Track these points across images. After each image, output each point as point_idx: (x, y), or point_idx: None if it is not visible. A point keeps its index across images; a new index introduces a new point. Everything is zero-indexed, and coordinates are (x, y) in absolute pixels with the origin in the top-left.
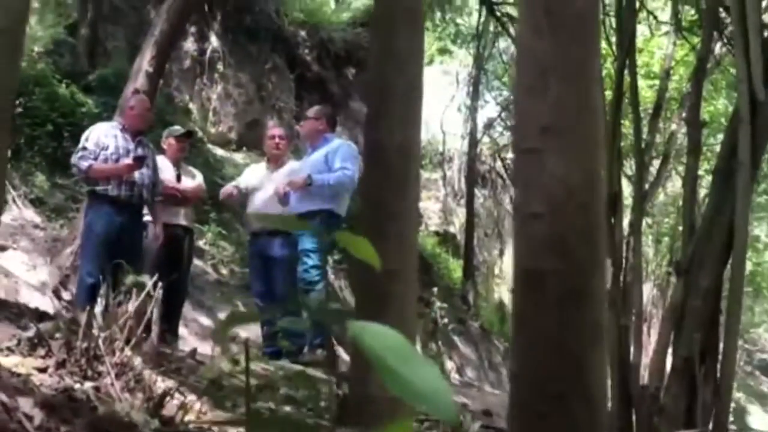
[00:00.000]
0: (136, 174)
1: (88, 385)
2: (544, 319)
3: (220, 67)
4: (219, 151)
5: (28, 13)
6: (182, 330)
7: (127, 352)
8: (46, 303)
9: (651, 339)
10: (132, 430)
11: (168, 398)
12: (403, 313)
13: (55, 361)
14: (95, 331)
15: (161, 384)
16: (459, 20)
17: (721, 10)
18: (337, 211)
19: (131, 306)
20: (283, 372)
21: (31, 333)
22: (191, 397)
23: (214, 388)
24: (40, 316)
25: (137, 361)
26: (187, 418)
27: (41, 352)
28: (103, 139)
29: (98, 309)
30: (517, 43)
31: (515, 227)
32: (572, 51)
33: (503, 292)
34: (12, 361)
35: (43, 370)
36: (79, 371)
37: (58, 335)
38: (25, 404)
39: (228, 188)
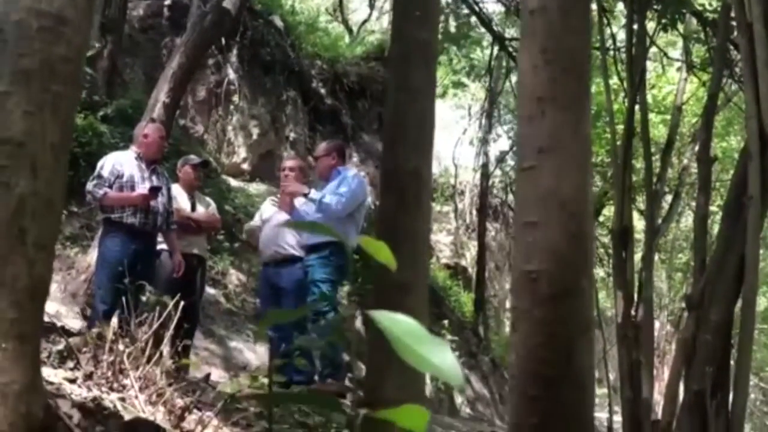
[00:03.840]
0: (152, 202)
1: (114, 395)
2: (538, 314)
3: (235, 98)
4: (233, 182)
5: (88, 45)
6: (193, 358)
7: (150, 367)
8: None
9: (664, 375)
10: None
11: (187, 413)
12: None
13: (83, 373)
14: (120, 347)
15: (180, 401)
16: (472, 55)
17: (730, 47)
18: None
19: (151, 323)
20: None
21: (60, 346)
22: (208, 413)
23: (230, 405)
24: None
25: (158, 376)
26: None
27: (70, 364)
28: (118, 168)
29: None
30: (518, 78)
31: (514, 235)
32: (564, 83)
33: None
34: (44, 372)
35: (72, 381)
36: (105, 383)
37: (85, 349)
38: (64, 405)
39: (253, 226)
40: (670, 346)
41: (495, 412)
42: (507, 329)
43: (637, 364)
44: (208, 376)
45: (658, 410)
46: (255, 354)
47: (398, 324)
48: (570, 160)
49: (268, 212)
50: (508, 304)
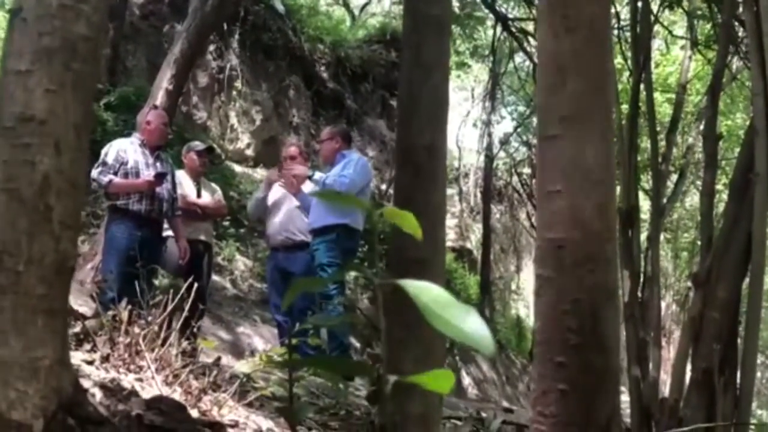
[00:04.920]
0: (157, 188)
1: (131, 377)
2: (563, 282)
3: (238, 84)
4: (237, 168)
5: (106, 23)
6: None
7: (165, 350)
8: None
9: (670, 354)
10: (183, 410)
11: (203, 394)
12: None
13: (100, 355)
14: (136, 329)
15: (195, 382)
16: (475, 35)
17: (736, 24)
18: (353, 226)
19: (165, 306)
20: (305, 381)
21: (77, 329)
22: (224, 395)
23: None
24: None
25: (173, 358)
26: (221, 413)
27: (87, 346)
28: (123, 154)
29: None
30: (538, 47)
31: (537, 204)
32: (586, 50)
33: (520, 308)
34: None
35: (90, 363)
36: (122, 364)
37: (101, 332)
38: (86, 384)
39: (257, 197)
40: (677, 325)
41: (502, 393)
42: (513, 311)
43: (644, 343)
44: (218, 359)
45: (665, 389)
46: (262, 339)
47: (427, 292)
48: (593, 128)
49: (276, 197)
50: (513, 286)
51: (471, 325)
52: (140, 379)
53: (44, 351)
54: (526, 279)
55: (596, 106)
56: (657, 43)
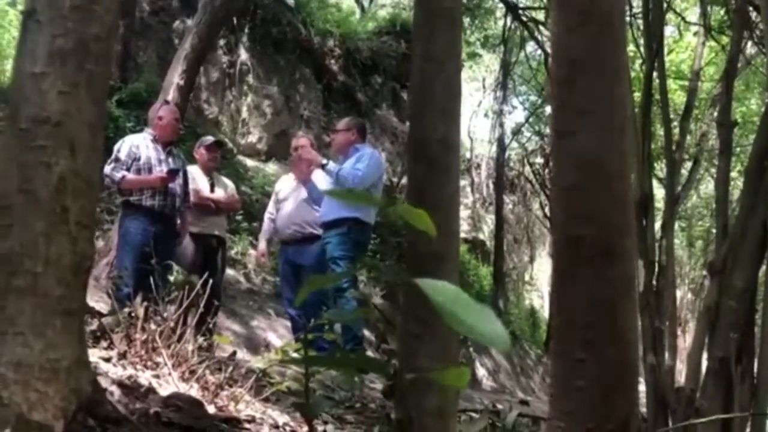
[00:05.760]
0: (170, 184)
1: (148, 373)
2: (581, 277)
3: (248, 78)
4: (249, 162)
5: (118, 22)
6: (216, 337)
7: (181, 346)
8: None
9: (686, 343)
10: (200, 407)
11: (220, 389)
12: None
13: (117, 352)
14: (152, 326)
15: (212, 377)
16: (486, 25)
17: (751, 9)
18: (365, 219)
19: (181, 302)
20: (320, 375)
21: (94, 326)
22: (240, 389)
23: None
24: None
25: (189, 354)
26: (238, 408)
27: (104, 344)
28: (135, 150)
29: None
30: (552, 41)
31: (553, 199)
32: (601, 43)
33: (534, 298)
34: None
35: (107, 360)
36: (139, 361)
37: (117, 329)
38: (103, 382)
39: (262, 248)
40: (692, 314)
41: (516, 384)
42: (527, 302)
43: (659, 333)
44: (234, 353)
45: (680, 379)
46: (276, 333)
47: (442, 291)
48: (609, 122)
49: (285, 191)
50: (527, 277)
51: (486, 323)
52: (157, 376)
53: (63, 352)
54: (540, 269)
55: (612, 99)
56: (669, 30)
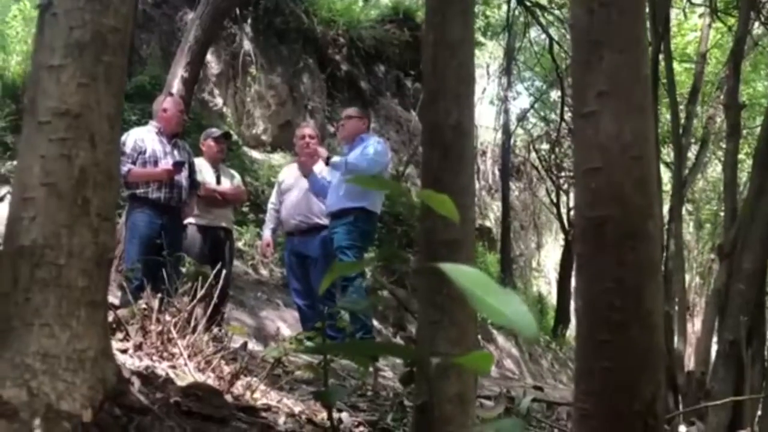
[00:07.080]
0: (175, 176)
1: (165, 364)
2: (605, 260)
3: (252, 69)
4: (254, 153)
5: (134, 13)
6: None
7: (196, 336)
8: None
9: (695, 327)
10: (219, 396)
11: (236, 379)
12: None
13: (133, 343)
14: (167, 317)
15: (227, 367)
16: (488, 12)
17: None
18: (371, 209)
19: (194, 294)
20: (332, 363)
21: (109, 318)
22: (255, 379)
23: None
24: None
25: (204, 344)
26: (254, 397)
27: (119, 335)
28: (140, 143)
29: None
30: (571, 23)
31: (576, 182)
32: (621, 23)
33: (541, 285)
34: None
35: (123, 351)
36: (155, 352)
37: (132, 321)
38: (123, 373)
39: (267, 239)
40: (699, 298)
41: (525, 370)
42: (534, 289)
43: (669, 316)
44: (245, 344)
45: (688, 362)
46: (285, 323)
47: (468, 276)
48: (631, 103)
49: (289, 181)
50: (534, 264)
51: (513, 309)
52: (173, 367)
53: (89, 342)
54: (547, 256)
55: (633, 79)
56: (675, 12)
